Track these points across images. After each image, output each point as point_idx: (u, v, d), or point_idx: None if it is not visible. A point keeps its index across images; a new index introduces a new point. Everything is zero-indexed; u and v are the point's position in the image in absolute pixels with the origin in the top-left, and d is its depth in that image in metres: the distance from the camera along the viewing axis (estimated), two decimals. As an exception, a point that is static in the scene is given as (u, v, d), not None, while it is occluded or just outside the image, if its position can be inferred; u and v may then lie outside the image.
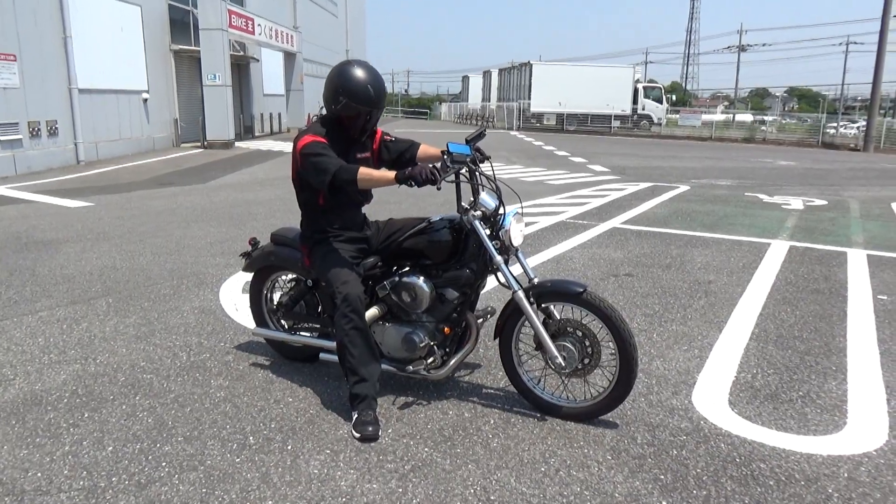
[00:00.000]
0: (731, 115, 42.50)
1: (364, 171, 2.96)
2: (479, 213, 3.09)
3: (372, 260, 3.31)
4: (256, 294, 3.84)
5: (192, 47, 20.02)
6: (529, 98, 35.00)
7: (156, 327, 4.30)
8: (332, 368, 3.64)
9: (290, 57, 28.26)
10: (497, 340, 3.28)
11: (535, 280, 3.14)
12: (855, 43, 77.31)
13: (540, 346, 3.10)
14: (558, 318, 3.14)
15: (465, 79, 55.18)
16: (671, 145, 27.62)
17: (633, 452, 2.87)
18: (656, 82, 39.80)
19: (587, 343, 3.06)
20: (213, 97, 19.48)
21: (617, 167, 16.17)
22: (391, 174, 2.93)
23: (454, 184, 3.14)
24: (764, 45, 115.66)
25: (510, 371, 3.28)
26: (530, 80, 34.85)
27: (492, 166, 3.23)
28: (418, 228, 3.24)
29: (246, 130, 24.57)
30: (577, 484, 2.62)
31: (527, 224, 8.09)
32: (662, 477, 2.69)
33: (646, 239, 7.49)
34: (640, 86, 36.74)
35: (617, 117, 35.23)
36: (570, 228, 7.99)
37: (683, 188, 12.43)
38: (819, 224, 8.80)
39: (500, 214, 3.13)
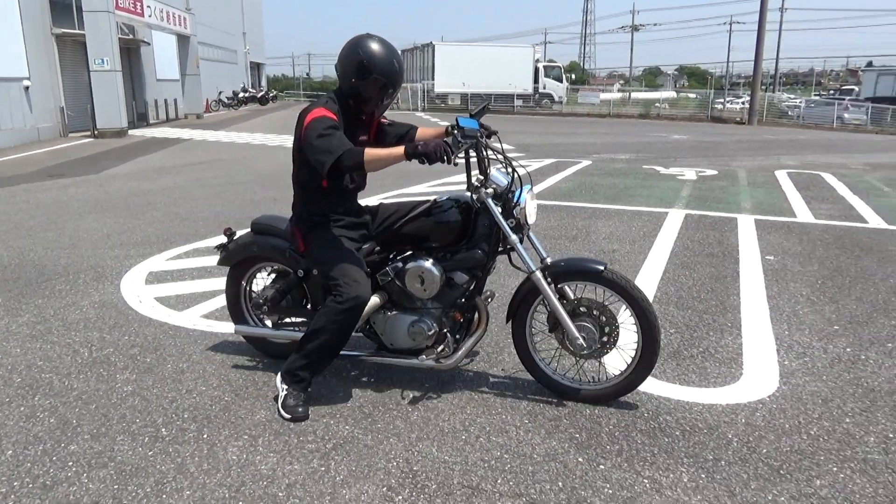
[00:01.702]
0: (628, 94, 44.16)
1: (371, 153, 2.77)
2: (490, 190, 2.94)
3: (368, 246, 3.13)
4: (234, 289, 3.53)
5: (77, 31, 18.79)
6: (433, 79, 35.04)
7: (52, 324, 4.05)
8: (248, 354, 3.56)
9: (183, 40, 27.04)
10: (510, 324, 3.16)
11: (548, 259, 3.05)
12: (738, 22, 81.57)
13: (555, 327, 3.03)
14: (573, 297, 3.06)
15: (369, 61, 54.41)
16: (572, 122, 28.39)
17: (548, 415, 2.97)
18: (556, 62, 40.69)
19: (605, 321, 2.99)
20: (102, 83, 18.37)
21: (521, 144, 16.48)
22: (400, 150, 2.73)
23: (463, 161, 2.96)
24: (655, 24, 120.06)
25: (525, 355, 3.15)
26: (433, 61, 34.88)
27: (500, 141, 3.10)
28: (423, 210, 3.05)
29: (139, 118, 23.37)
30: (497, 449, 2.69)
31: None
32: (577, 435, 2.80)
33: (552, 212, 7.70)
34: (540, 65, 37.47)
35: (519, 96, 35.86)
36: (479, 206, 8.09)
37: (586, 163, 12.82)
38: (711, 193, 9.32)
39: (512, 192, 2.98)
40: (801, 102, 35.29)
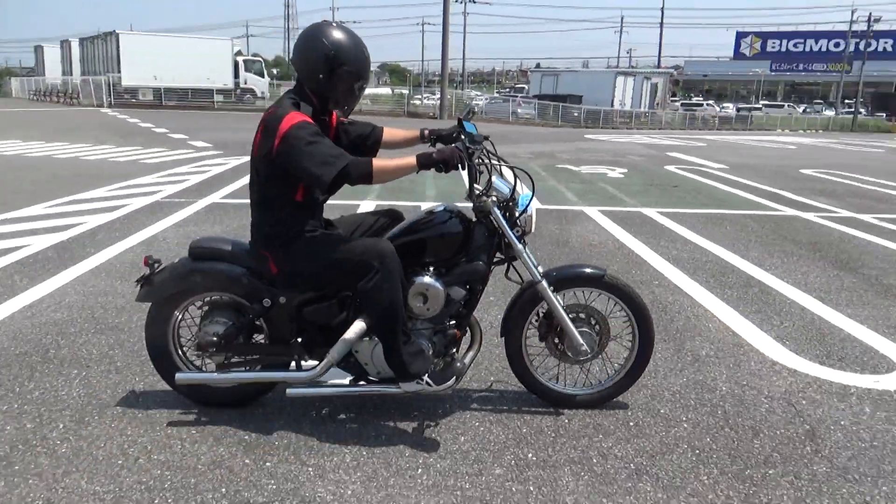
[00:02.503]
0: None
1: (380, 165, 2.56)
2: (494, 198, 2.80)
3: None
4: (160, 329, 2.92)
5: None
6: (119, 71, 31.81)
7: None
8: None
9: None
10: (503, 338, 3.06)
11: (539, 268, 2.92)
12: (429, 24, 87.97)
13: (547, 336, 3.02)
14: (565, 305, 2.98)
15: (39, 49, 47.54)
16: (277, 119, 27.97)
17: (218, 422, 2.89)
18: (259, 56, 39.77)
19: (600, 326, 3.02)
20: None
21: (220, 142, 15.79)
22: (412, 160, 2.57)
23: (465, 168, 2.71)
24: (355, 21, 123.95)
25: (521, 368, 3.07)
26: (118, 51, 31.61)
27: (493, 145, 2.92)
28: (417, 222, 2.83)
29: None
30: (158, 467, 2.55)
31: (116, 207, 7.45)
32: (247, 437, 2.78)
33: (247, 211, 7.49)
34: (240, 59, 36.30)
35: (220, 91, 34.27)
36: (165, 208, 7.58)
37: (286, 160, 12.74)
38: (401, 183, 9.89)
39: (514, 199, 2.86)
40: (484, 99, 39.32)
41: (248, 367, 2.94)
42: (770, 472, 2.62)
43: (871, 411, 3.13)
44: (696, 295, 4.83)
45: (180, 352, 3.02)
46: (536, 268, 2.92)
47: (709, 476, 2.58)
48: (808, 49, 71.23)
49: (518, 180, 2.91)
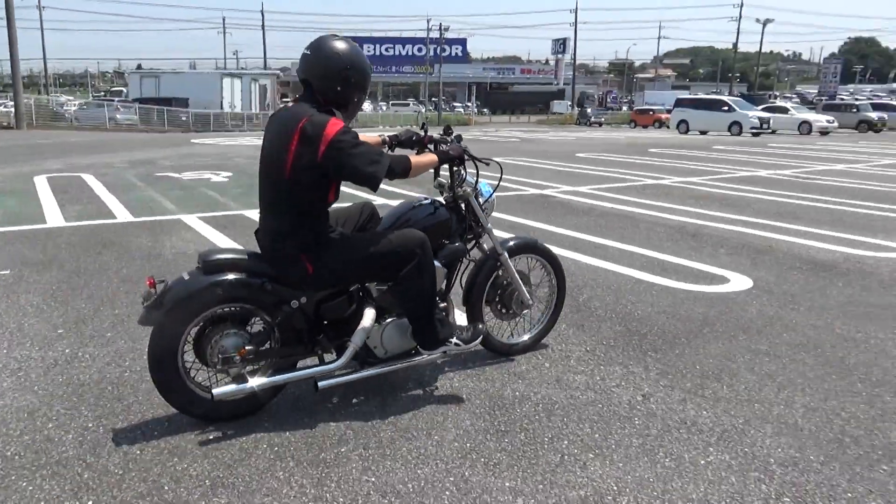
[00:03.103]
0: None
1: (415, 160, 2.95)
2: (469, 189, 3.35)
3: None
4: (172, 349, 2.75)
5: None
6: None
7: None
8: None
9: None
10: (465, 308, 3.54)
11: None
12: (-6, 18, 73.94)
13: (493, 301, 3.62)
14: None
15: None
16: None
17: None
18: None
19: (531, 283, 3.72)
20: None
21: None
22: (434, 157, 3.10)
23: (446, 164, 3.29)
24: None
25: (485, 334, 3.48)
26: None
27: None
28: (412, 213, 3.26)
29: None
30: None
31: None
32: None
33: None
34: None
35: None
36: None
37: None
38: None
39: (478, 189, 3.43)
40: (76, 104, 35.01)
41: (265, 373, 2.95)
42: (342, 449, 2.76)
43: (431, 372, 3.54)
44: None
45: (188, 372, 2.89)
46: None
47: (284, 471, 2.60)
48: (397, 53, 79.48)
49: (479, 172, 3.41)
